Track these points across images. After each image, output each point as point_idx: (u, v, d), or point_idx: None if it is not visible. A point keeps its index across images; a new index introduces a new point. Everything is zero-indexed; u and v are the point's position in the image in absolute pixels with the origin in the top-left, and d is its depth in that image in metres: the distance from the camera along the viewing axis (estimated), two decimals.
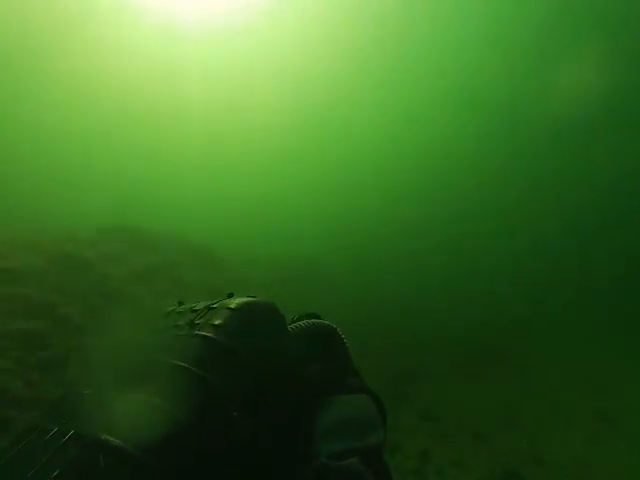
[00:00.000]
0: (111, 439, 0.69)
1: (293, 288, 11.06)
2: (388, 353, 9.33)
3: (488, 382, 8.10)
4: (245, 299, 0.99)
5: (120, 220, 9.83)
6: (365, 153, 27.10)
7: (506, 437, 5.66)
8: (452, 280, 13.75)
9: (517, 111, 23.48)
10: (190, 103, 23.97)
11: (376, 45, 27.02)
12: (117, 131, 20.68)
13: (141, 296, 6.92)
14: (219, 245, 11.65)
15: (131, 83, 22.53)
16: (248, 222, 14.61)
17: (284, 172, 23.99)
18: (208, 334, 0.87)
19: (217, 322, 0.90)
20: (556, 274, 14.70)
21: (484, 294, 13.48)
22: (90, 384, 0.86)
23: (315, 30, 26.37)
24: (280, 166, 24.51)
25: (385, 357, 9.02)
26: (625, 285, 13.17)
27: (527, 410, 6.61)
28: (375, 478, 0.72)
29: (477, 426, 5.89)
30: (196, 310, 0.98)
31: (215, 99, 25.40)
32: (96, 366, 0.98)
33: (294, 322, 1.24)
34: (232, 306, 0.94)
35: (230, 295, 1.02)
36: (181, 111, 23.41)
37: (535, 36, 24.02)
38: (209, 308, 0.96)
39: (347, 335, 1.26)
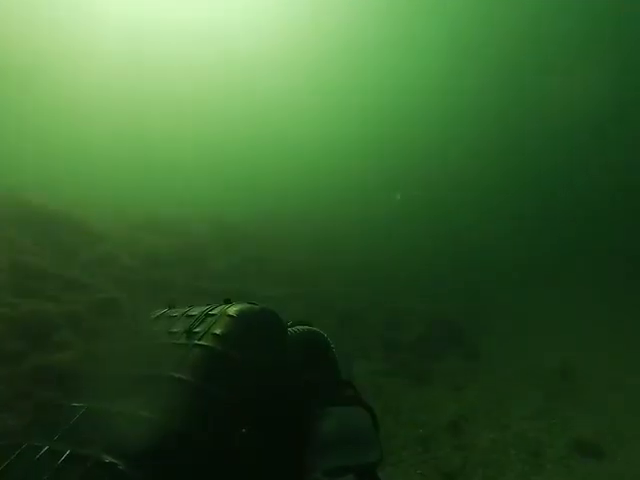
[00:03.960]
0: (115, 462, 0.63)
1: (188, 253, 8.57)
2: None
3: (432, 384, 6.05)
4: (245, 306, 0.94)
5: None
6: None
7: None
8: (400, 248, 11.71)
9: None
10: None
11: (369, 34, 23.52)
12: None
13: None
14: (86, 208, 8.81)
15: None
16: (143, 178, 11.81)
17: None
18: (210, 344, 0.83)
19: (218, 331, 0.86)
20: (516, 238, 13.05)
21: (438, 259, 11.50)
22: (81, 396, 0.79)
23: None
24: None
25: None
26: (596, 252, 11.65)
27: (481, 440, 4.57)
28: None
29: None
30: (192, 316, 0.93)
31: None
32: (89, 376, 0.90)
33: (288, 327, 1.22)
34: (232, 314, 0.90)
35: (227, 301, 0.97)
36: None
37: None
38: (207, 314, 0.92)
39: None
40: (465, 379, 6.16)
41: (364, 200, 15.26)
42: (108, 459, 0.62)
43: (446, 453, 4.37)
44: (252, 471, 0.74)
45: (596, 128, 18.78)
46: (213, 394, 0.75)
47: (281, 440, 0.81)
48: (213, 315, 0.91)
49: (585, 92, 17.73)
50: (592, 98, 17.61)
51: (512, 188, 17.69)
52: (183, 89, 21.88)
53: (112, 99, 18.28)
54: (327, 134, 22.27)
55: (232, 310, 0.91)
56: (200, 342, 0.83)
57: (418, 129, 21.96)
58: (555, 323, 7.74)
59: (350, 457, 0.78)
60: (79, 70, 18.88)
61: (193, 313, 0.94)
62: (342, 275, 9.62)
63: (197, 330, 0.87)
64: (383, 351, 6.84)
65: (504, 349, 7.08)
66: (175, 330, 0.90)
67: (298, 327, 1.17)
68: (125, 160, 12.96)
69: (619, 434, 4.34)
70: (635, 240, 11.74)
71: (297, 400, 0.91)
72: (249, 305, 0.94)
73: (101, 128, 14.85)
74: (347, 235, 12.34)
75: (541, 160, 19.25)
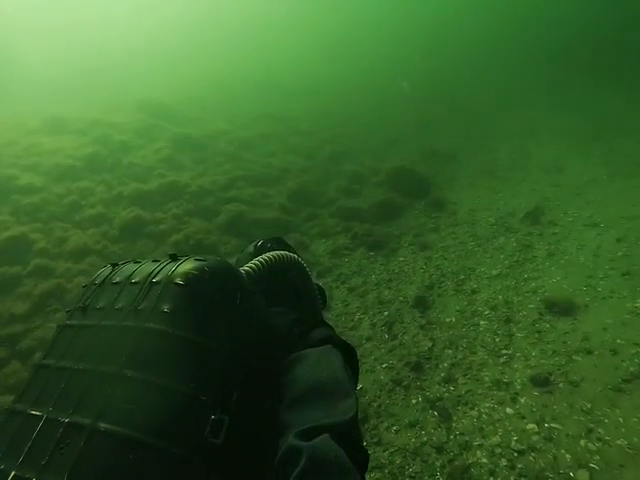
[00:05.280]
0: None
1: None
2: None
3: (398, 251, 5.63)
4: (192, 266, 0.77)
5: None
6: None
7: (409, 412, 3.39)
8: None
9: None
10: None
11: None
12: None
13: None
14: None
15: None
16: None
17: None
18: (161, 327, 0.70)
19: (166, 308, 0.72)
20: None
21: None
22: (37, 401, 0.70)
23: None
24: None
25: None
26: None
27: (449, 314, 4.28)
28: (348, 455, 0.62)
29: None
30: (136, 283, 0.79)
31: None
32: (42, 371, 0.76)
33: (257, 249, 1.14)
34: (179, 280, 0.75)
35: (173, 256, 0.82)
36: None
37: None
38: (151, 283, 0.77)
39: None
40: (432, 239, 5.74)
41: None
42: None
43: (413, 337, 4.12)
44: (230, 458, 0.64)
45: None
46: (179, 391, 0.64)
47: (253, 407, 0.70)
48: (157, 283, 0.75)
49: None
50: None
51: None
52: None
53: None
54: None
55: (177, 275, 0.74)
56: (150, 324, 0.70)
57: None
58: (526, 162, 7.05)
59: (323, 411, 0.67)
60: None
61: (136, 279, 0.78)
62: (295, 144, 8.50)
63: (143, 307, 0.73)
64: (343, 224, 6.25)
65: (472, 198, 6.52)
66: (120, 305, 0.76)
67: (265, 257, 0.99)
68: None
69: (593, 286, 4.04)
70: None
71: (274, 359, 0.79)
72: (197, 264, 0.76)
73: None
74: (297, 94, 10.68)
75: None
